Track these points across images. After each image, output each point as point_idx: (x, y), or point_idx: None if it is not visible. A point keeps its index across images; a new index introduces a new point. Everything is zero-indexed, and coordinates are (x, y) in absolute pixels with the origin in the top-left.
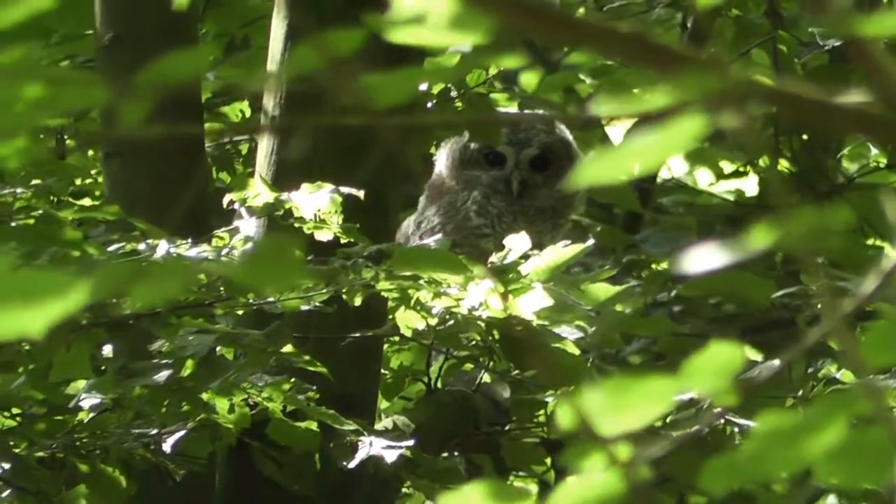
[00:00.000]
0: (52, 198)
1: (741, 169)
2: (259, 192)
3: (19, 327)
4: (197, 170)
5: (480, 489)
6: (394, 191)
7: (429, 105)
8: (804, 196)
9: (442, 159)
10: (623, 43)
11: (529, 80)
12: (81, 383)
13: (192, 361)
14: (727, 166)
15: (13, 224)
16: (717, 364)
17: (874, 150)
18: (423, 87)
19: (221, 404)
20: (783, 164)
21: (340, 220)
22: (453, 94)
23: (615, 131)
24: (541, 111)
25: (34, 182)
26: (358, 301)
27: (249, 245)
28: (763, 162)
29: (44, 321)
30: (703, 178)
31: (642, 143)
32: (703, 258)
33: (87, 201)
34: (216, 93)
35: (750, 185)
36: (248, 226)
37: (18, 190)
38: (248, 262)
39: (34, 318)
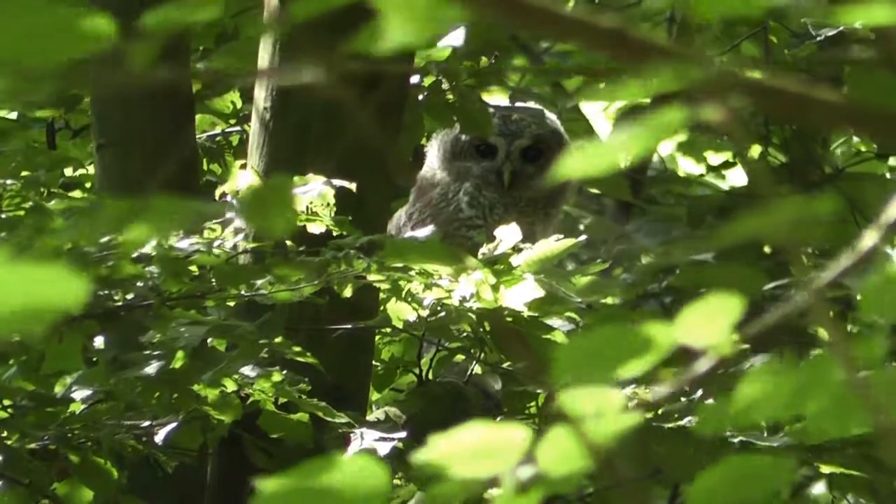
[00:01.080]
0: (42, 189)
1: (730, 160)
2: (250, 183)
3: (20, 323)
4: (185, 147)
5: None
6: (376, 182)
7: (420, 98)
8: (794, 186)
9: (433, 151)
10: (604, 37)
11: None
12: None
13: (184, 353)
14: (715, 157)
15: (3, 216)
16: (715, 313)
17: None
18: (415, 80)
19: (213, 396)
20: (773, 154)
21: (332, 213)
22: (444, 86)
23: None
24: (531, 103)
25: (24, 173)
26: (349, 292)
27: (240, 236)
28: (753, 152)
29: (46, 317)
30: (693, 168)
31: (624, 134)
32: (693, 248)
33: (77, 193)
34: (206, 84)
35: (739, 176)
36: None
37: (9, 182)
38: (248, 202)
39: (36, 315)
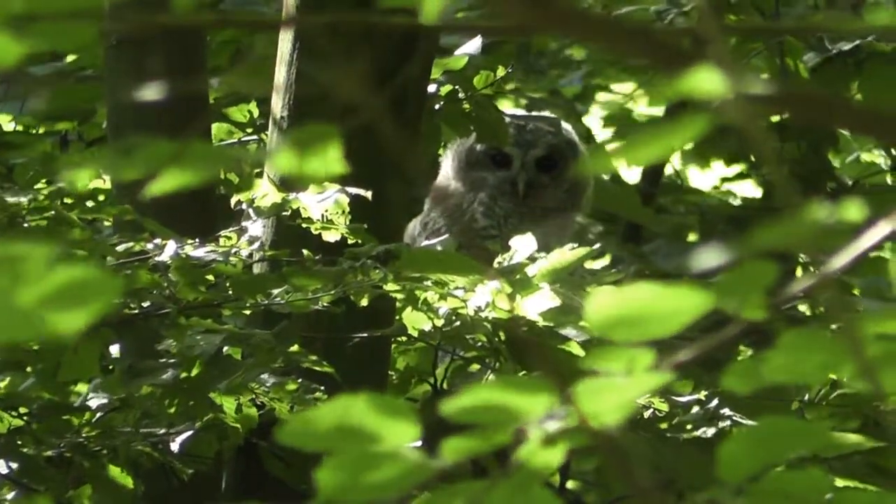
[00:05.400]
0: (61, 200)
1: (743, 171)
2: (266, 192)
3: (57, 325)
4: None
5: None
6: (396, 191)
7: (436, 107)
8: (810, 197)
9: (448, 160)
10: (628, 38)
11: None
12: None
13: (200, 361)
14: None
15: (26, 225)
16: (748, 277)
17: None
18: (432, 89)
19: (229, 404)
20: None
21: (348, 221)
22: (461, 95)
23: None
24: (546, 112)
25: (40, 184)
26: (365, 302)
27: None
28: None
29: (81, 320)
30: (704, 179)
31: (640, 139)
32: (706, 258)
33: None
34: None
35: (750, 189)
36: (256, 227)
37: (36, 195)
38: (286, 149)
39: (72, 317)
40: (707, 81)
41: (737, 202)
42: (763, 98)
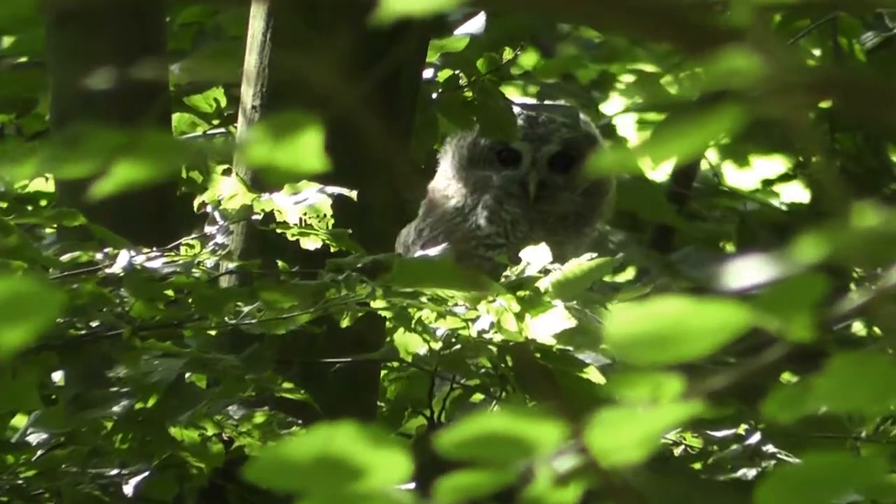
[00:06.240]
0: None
1: (789, 172)
2: (235, 192)
3: None
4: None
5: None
6: (382, 192)
7: (434, 95)
8: (865, 200)
9: (447, 157)
10: (656, 19)
11: (526, 61)
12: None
13: (158, 390)
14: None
15: None
16: (793, 292)
17: None
18: (428, 74)
19: (191, 440)
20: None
21: (329, 226)
22: (462, 81)
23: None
24: (562, 101)
25: None
26: (348, 322)
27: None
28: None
29: (18, 340)
30: (741, 180)
31: (667, 133)
32: (744, 274)
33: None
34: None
35: (796, 191)
36: (223, 233)
37: None
38: (258, 142)
39: (7, 337)
40: (744, 66)
41: (781, 206)
42: (809, 86)
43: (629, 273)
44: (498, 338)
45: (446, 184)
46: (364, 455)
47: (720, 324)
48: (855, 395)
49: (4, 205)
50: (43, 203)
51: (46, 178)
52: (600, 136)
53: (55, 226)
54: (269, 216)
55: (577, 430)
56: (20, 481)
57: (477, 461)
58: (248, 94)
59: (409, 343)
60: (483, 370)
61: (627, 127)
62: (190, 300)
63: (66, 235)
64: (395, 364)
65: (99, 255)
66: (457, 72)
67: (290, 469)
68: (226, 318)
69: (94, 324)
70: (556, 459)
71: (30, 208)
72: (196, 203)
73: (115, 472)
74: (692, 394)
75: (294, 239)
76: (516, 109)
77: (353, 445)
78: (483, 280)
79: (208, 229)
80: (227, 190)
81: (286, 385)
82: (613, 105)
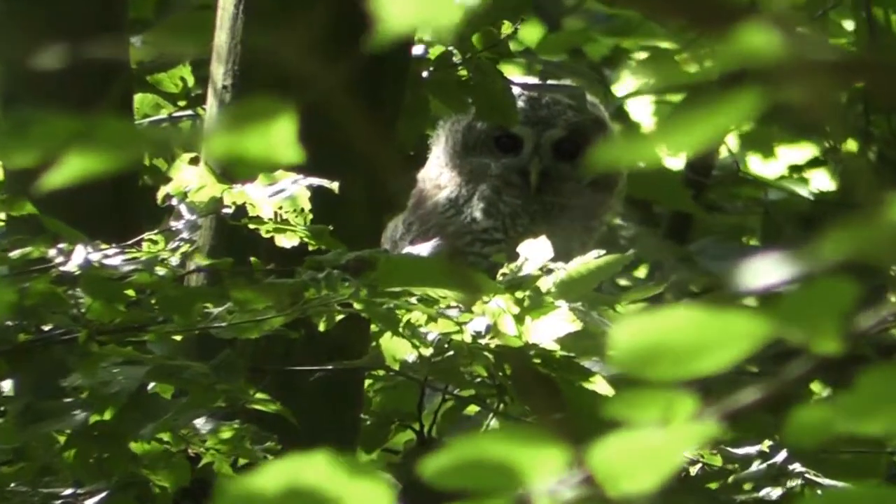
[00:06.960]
0: None
1: (818, 157)
2: (203, 183)
3: None
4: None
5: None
6: (365, 182)
7: (424, 74)
8: None
9: (439, 143)
10: None
11: (529, 36)
12: None
13: (117, 401)
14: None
15: None
16: (820, 298)
17: None
18: (419, 51)
19: (154, 456)
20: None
21: (308, 221)
22: (456, 59)
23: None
24: (568, 81)
25: None
26: (326, 325)
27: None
28: (848, 147)
29: None
30: (765, 168)
31: (684, 121)
32: (766, 272)
33: None
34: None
35: (825, 180)
36: (190, 227)
37: None
38: (229, 127)
39: None
40: (763, 44)
41: (809, 196)
42: (835, 67)
43: (641, 271)
44: (495, 343)
45: (438, 172)
46: (340, 487)
47: (738, 335)
48: (887, 413)
49: None
50: None
51: None
52: (609, 120)
53: (3, 217)
54: (241, 210)
55: (580, 454)
56: None
57: (469, 490)
58: (219, 72)
59: (397, 349)
60: (478, 379)
61: (640, 110)
62: (153, 301)
63: (16, 229)
64: (381, 372)
65: (52, 251)
66: (450, 48)
67: (260, 498)
68: (193, 321)
69: (46, 327)
70: (558, 487)
71: None
72: (160, 195)
73: (69, 491)
74: (708, 414)
75: (269, 236)
76: (516, 90)
77: (327, 475)
78: (478, 279)
79: (173, 224)
80: (194, 180)
81: (260, 396)
82: (625, 86)
